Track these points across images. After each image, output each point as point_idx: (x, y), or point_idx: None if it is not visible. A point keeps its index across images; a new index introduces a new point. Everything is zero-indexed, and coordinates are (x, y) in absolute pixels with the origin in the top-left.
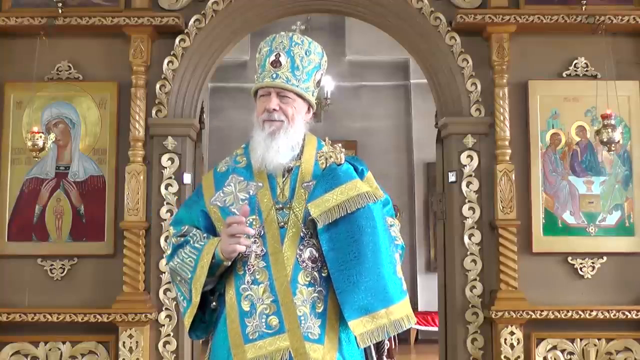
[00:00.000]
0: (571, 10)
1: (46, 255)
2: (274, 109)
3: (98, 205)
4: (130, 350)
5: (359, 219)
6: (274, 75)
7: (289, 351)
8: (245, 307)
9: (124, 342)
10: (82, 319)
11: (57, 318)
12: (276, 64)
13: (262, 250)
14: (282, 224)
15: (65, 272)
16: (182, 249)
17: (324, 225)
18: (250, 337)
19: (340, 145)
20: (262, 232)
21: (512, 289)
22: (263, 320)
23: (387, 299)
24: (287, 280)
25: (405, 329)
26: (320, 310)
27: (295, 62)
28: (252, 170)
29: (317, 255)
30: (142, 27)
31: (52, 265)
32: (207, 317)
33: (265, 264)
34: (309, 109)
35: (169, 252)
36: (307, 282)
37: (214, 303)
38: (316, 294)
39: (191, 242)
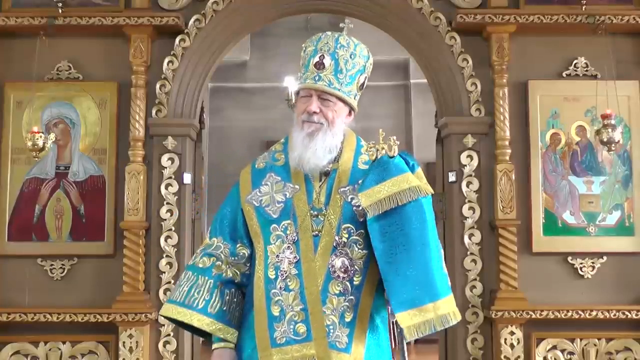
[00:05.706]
0: (571, 10)
1: (46, 255)
2: (314, 112)
3: (98, 205)
4: (130, 350)
5: (409, 212)
6: (316, 77)
7: (315, 359)
8: (275, 312)
9: (124, 342)
10: (82, 319)
11: (57, 318)
12: (320, 65)
13: (295, 257)
14: (316, 232)
15: (65, 272)
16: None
17: (374, 217)
18: (278, 342)
19: (394, 137)
20: (296, 239)
21: (512, 288)
22: (291, 327)
23: (434, 293)
24: (317, 289)
25: (451, 325)
26: (349, 320)
27: (339, 65)
28: (290, 170)
29: (348, 266)
30: (142, 27)
31: (52, 265)
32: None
33: (297, 272)
34: (350, 112)
35: (197, 258)
36: (337, 292)
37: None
38: (346, 303)
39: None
